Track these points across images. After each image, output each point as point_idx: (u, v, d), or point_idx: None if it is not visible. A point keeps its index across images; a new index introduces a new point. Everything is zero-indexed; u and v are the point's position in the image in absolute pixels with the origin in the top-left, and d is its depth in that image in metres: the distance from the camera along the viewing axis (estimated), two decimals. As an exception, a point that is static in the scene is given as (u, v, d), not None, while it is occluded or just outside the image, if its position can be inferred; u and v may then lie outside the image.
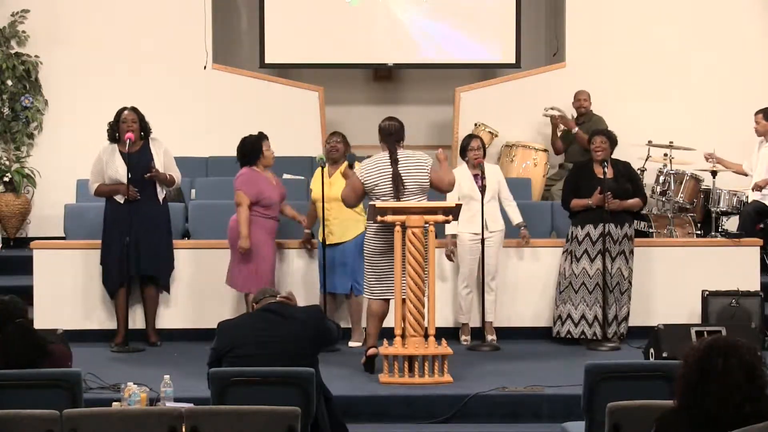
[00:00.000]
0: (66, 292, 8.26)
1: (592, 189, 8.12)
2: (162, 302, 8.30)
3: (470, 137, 8.50)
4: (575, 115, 10.42)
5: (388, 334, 7.10)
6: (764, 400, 3.22)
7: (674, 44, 10.78)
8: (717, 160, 9.40)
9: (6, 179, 10.46)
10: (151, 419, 4.32)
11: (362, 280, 7.92)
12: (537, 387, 6.59)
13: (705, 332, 7.09)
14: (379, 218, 6.88)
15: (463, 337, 8.29)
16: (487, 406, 6.43)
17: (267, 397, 4.68)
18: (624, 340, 8.14)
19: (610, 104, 10.48)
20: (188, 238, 9.02)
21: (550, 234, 9.20)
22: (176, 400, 5.33)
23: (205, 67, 10.66)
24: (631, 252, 8.20)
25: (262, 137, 8.01)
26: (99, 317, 8.31)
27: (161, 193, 8.10)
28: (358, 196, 7.14)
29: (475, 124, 10.47)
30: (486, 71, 11.57)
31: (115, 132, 8.03)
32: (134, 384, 5.31)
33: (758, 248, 8.68)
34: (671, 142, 9.78)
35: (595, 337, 8.05)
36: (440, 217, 6.89)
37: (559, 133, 10.40)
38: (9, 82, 10.48)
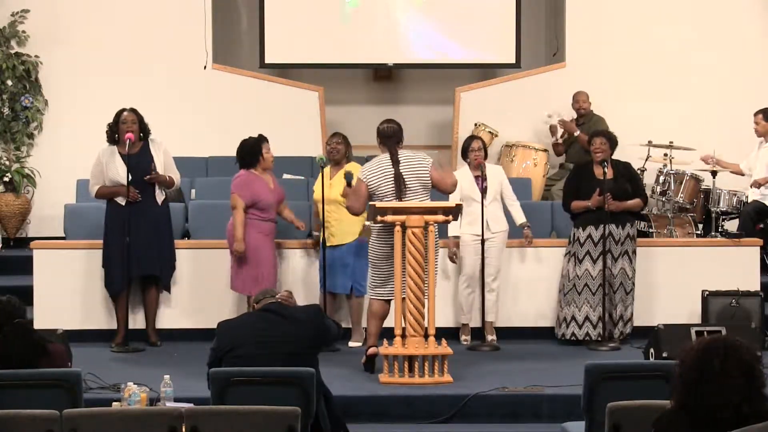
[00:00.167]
0: (66, 292, 8.26)
1: (592, 190, 8.12)
2: (162, 302, 8.30)
3: (471, 138, 8.50)
4: (575, 116, 10.42)
5: (388, 334, 7.10)
6: (763, 400, 3.22)
7: (674, 44, 10.78)
8: (716, 160, 9.40)
9: (6, 179, 10.46)
10: (151, 419, 4.32)
11: (362, 281, 7.94)
12: (537, 387, 6.59)
13: (705, 332, 7.09)
14: (379, 218, 6.88)
15: (463, 337, 8.30)
16: (487, 406, 6.43)
17: (267, 397, 4.68)
18: (628, 340, 8.13)
19: (610, 104, 10.48)
20: (188, 238, 9.02)
21: (550, 234, 9.20)
22: (176, 400, 5.33)
23: (205, 67, 10.66)
24: (634, 252, 8.21)
25: (261, 140, 8.01)
26: (99, 317, 8.31)
27: (160, 195, 8.10)
28: (363, 202, 7.10)
29: (475, 124, 10.48)
30: (486, 71, 11.56)
31: (114, 133, 8.03)
32: (134, 384, 5.31)
33: (758, 248, 8.68)
34: (671, 142, 9.79)
35: (599, 338, 8.05)
36: (440, 217, 6.89)
37: (560, 139, 10.39)
38: (9, 82, 10.48)
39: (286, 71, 11.41)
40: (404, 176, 7.05)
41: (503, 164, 9.99)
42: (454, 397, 6.47)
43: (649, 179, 9.77)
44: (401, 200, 7.01)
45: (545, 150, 10.32)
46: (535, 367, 7.34)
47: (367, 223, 7.77)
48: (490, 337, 8.20)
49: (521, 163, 10.23)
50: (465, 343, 8.24)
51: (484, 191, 8.07)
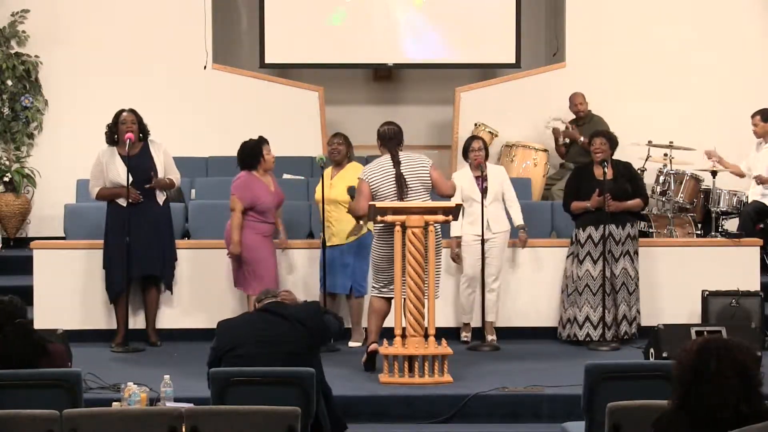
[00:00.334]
0: (66, 292, 8.25)
1: (592, 190, 8.12)
2: (162, 302, 8.30)
3: (472, 138, 8.50)
4: (572, 117, 10.43)
5: (388, 334, 7.10)
6: (760, 400, 3.23)
7: (674, 44, 10.78)
8: (718, 158, 9.39)
9: (6, 179, 10.46)
10: (151, 419, 4.32)
11: (362, 281, 7.95)
12: (537, 387, 6.58)
13: (705, 332, 7.10)
14: (379, 218, 6.89)
15: (463, 334, 8.30)
16: (487, 406, 6.43)
17: (267, 397, 4.68)
18: (633, 340, 8.12)
19: (610, 104, 10.48)
20: (188, 238, 9.02)
21: (550, 234, 9.21)
22: (176, 400, 5.34)
23: (205, 67, 10.66)
24: (636, 252, 8.20)
25: (262, 141, 8.00)
26: (99, 317, 8.31)
27: (161, 196, 8.10)
28: (367, 200, 7.08)
29: (475, 124, 10.48)
30: (486, 71, 11.56)
31: (113, 134, 8.02)
32: (134, 384, 5.31)
33: (758, 248, 8.68)
34: (671, 142, 9.79)
35: (600, 338, 8.04)
36: (440, 217, 6.90)
37: (561, 142, 10.39)
38: (9, 82, 10.48)
39: (286, 71, 11.40)
40: (405, 177, 7.07)
41: (503, 164, 9.99)
42: (454, 397, 6.47)
43: (649, 179, 9.76)
44: (403, 201, 7.02)
45: (545, 150, 10.32)
46: (535, 367, 7.34)
47: (361, 222, 7.78)
48: (490, 337, 8.20)
49: (521, 163, 10.23)
50: (465, 338, 8.25)
51: (484, 191, 8.07)
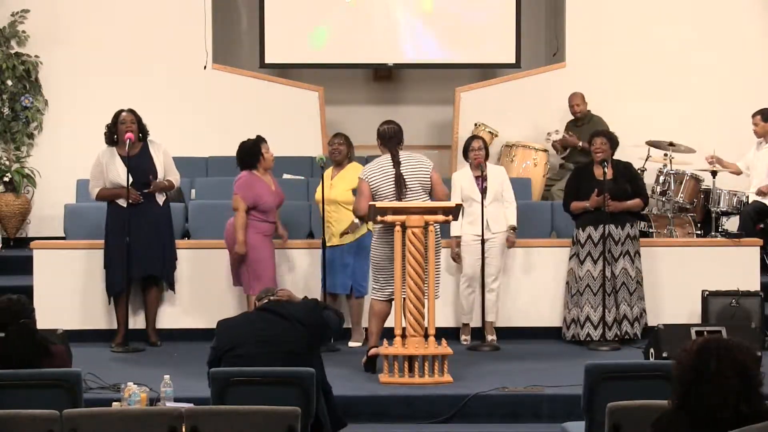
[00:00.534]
0: (66, 292, 8.26)
1: (592, 190, 8.12)
2: (162, 302, 8.31)
3: (472, 138, 8.50)
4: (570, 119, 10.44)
5: (388, 334, 7.10)
6: (760, 399, 3.23)
7: (674, 44, 10.78)
8: (717, 160, 9.40)
9: (6, 179, 10.46)
10: (151, 419, 4.32)
11: (362, 281, 7.95)
12: (537, 387, 6.58)
13: (705, 332, 7.09)
14: (379, 218, 6.89)
15: (463, 337, 8.30)
16: (487, 406, 6.43)
17: (267, 397, 4.68)
18: (636, 340, 8.11)
19: (610, 104, 10.48)
20: (188, 238, 9.02)
21: (550, 234, 9.20)
22: (176, 400, 5.34)
23: (205, 67, 10.66)
24: (638, 252, 8.20)
25: (260, 140, 8.00)
26: (99, 317, 8.31)
27: (161, 196, 8.11)
28: (368, 199, 7.07)
29: (475, 124, 10.48)
30: (486, 71, 11.57)
31: (113, 134, 8.02)
32: (134, 384, 5.31)
33: (758, 248, 8.68)
34: (671, 142, 9.79)
35: (602, 338, 8.05)
36: (440, 217, 6.90)
37: (561, 154, 10.39)
38: (9, 82, 10.48)
39: (286, 71, 11.41)
40: (405, 177, 7.07)
41: (503, 164, 9.98)
42: (454, 397, 6.47)
43: (649, 179, 9.76)
44: (402, 201, 7.01)
45: (545, 150, 10.32)
46: (535, 367, 7.34)
47: (356, 221, 7.77)
48: (490, 337, 8.20)
49: (521, 163, 10.23)
50: (465, 342, 8.24)
51: (484, 191, 8.06)
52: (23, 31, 10.65)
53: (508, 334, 8.32)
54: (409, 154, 7.23)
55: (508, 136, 10.49)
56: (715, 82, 10.76)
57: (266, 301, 5.55)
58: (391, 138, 7.23)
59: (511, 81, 10.99)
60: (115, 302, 8.05)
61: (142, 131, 8.06)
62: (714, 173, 9.19)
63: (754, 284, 8.41)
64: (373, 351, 7.04)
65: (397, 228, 6.81)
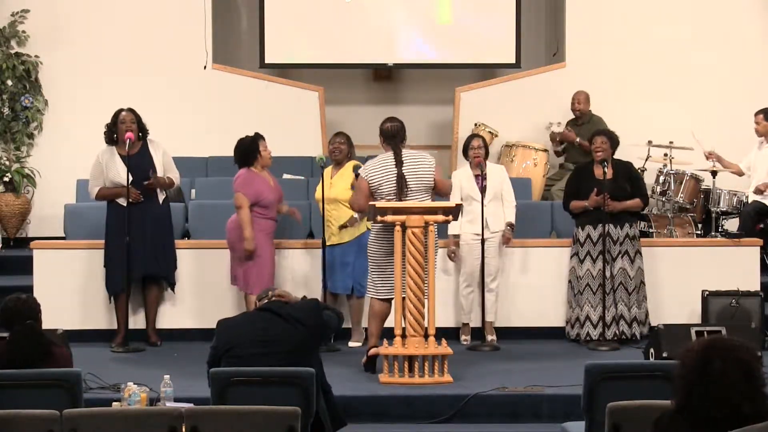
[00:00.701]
0: (66, 292, 8.26)
1: (592, 190, 8.12)
2: (162, 302, 8.31)
3: (472, 137, 8.50)
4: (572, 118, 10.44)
5: (388, 334, 7.10)
6: (763, 400, 3.22)
7: (674, 44, 10.77)
8: (716, 158, 9.40)
9: (6, 179, 10.46)
10: (151, 419, 4.32)
11: (363, 281, 7.93)
12: (537, 387, 6.58)
13: (705, 332, 7.09)
14: (379, 218, 6.88)
15: (463, 337, 8.30)
16: (487, 406, 6.43)
17: (267, 397, 4.68)
18: (636, 340, 8.10)
19: (610, 104, 10.48)
20: (188, 238, 9.02)
21: (550, 234, 9.20)
22: (176, 400, 5.33)
23: (205, 67, 10.66)
24: (638, 252, 8.20)
25: (258, 138, 8.00)
26: (99, 317, 8.31)
27: (160, 195, 8.11)
28: (366, 196, 7.07)
29: (475, 124, 10.48)
30: (486, 71, 11.56)
31: (113, 134, 8.03)
32: (134, 384, 5.31)
33: (758, 248, 8.68)
34: (671, 142, 9.79)
35: (600, 338, 8.05)
36: (440, 217, 6.89)
37: (559, 148, 10.40)
38: (9, 82, 10.48)
39: (286, 71, 11.41)
40: (406, 177, 7.02)
41: (503, 164, 9.98)
42: (454, 397, 6.47)
43: (649, 179, 9.76)
44: (401, 200, 7.00)
45: (545, 150, 10.32)
46: (535, 367, 7.34)
47: (355, 215, 7.77)
48: (490, 337, 8.20)
49: (521, 163, 10.23)
50: (465, 343, 8.24)
51: (483, 190, 8.06)
52: (23, 31, 10.65)
53: (508, 334, 8.32)
54: (411, 152, 7.19)
55: (508, 136, 10.49)
56: (715, 82, 10.75)
57: (266, 301, 5.55)
58: (394, 136, 7.17)
59: (511, 81, 10.99)
60: (115, 301, 8.05)
61: (141, 130, 8.06)
62: (714, 173, 9.19)
63: (754, 284, 8.41)
64: (373, 351, 7.03)
65: (397, 228, 6.81)
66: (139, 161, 7.97)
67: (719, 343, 3.27)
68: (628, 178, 8.29)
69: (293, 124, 10.52)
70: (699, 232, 9.20)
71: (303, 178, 9.99)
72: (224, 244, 8.03)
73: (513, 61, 11.05)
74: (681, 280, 8.46)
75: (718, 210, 9.31)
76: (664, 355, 7.14)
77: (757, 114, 9.60)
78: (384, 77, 11.77)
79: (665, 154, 9.78)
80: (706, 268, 8.48)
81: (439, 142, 11.37)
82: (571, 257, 8.32)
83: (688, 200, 9.54)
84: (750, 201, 9.37)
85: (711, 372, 3.20)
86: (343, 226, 7.96)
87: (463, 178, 8.19)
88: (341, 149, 8.18)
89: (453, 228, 8.06)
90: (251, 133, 8.10)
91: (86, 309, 8.32)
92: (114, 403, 5.22)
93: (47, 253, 8.45)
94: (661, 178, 9.61)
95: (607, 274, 8.07)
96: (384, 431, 6.26)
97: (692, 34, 10.80)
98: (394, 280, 6.92)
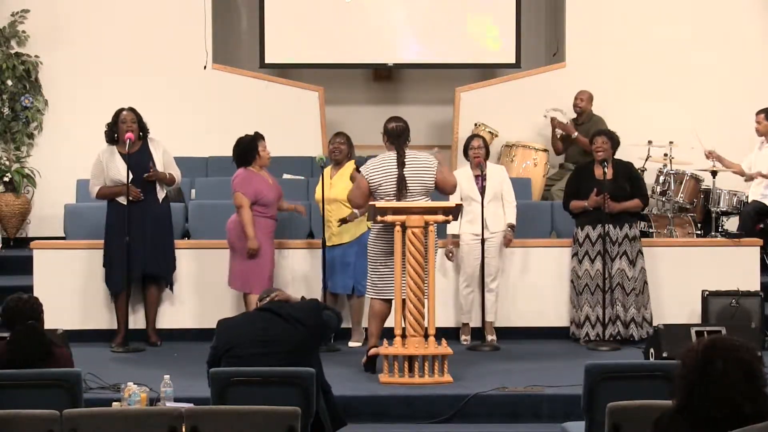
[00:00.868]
0: (66, 292, 8.26)
1: (592, 190, 8.13)
2: (162, 302, 8.31)
3: (472, 137, 8.50)
4: (573, 116, 10.42)
5: (388, 334, 7.10)
6: (764, 400, 3.22)
7: (674, 44, 10.77)
8: (716, 158, 9.40)
9: (6, 179, 10.46)
10: (151, 419, 4.32)
11: (363, 281, 7.93)
12: (537, 387, 6.58)
13: (705, 332, 7.09)
14: (379, 218, 6.88)
15: (463, 337, 8.30)
16: (487, 406, 6.43)
17: (267, 397, 4.68)
18: (635, 341, 8.09)
19: (610, 104, 10.48)
20: (188, 238, 9.02)
21: (550, 234, 9.20)
22: (176, 400, 5.33)
23: (205, 67, 10.66)
24: (639, 252, 8.19)
25: (257, 137, 8.00)
26: (99, 317, 8.31)
27: (161, 193, 8.11)
28: (364, 195, 7.06)
29: (475, 124, 10.48)
30: (486, 71, 11.56)
31: (113, 133, 8.03)
32: (134, 384, 5.31)
33: (758, 248, 8.68)
34: (671, 142, 9.78)
35: (598, 338, 8.05)
36: (440, 217, 6.89)
37: (558, 135, 10.41)
38: (9, 82, 10.48)
39: (286, 71, 11.41)
40: (407, 179, 7.00)
41: (503, 164, 9.98)
42: (454, 397, 6.46)
43: (649, 179, 9.76)
44: (400, 201, 6.99)
45: (545, 150, 10.32)
46: (535, 367, 7.34)
47: (355, 211, 7.76)
48: (490, 337, 8.20)
49: (521, 163, 10.23)
50: (465, 343, 8.24)
51: (483, 190, 8.05)
52: (23, 31, 10.65)
53: (507, 334, 8.32)
54: (415, 154, 7.14)
55: (508, 136, 10.49)
56: (715, 82, 10.76)
57: (267, 301, 5.55)
58: (399, 136, 7.12)
59: (511, 81, 10.99)
60: (116, 299, 8.05)
61: (142, 130, 8.07)
62: (714, 173, 9.19)
63: (754, 284, 8.41)
64: (373, 351, 7.03)
65: (397, 228, 6.80)
66: (140, 159, 7.98)
67: (720, 343, 3.27)
68: (628, 179, 8.29)
69: (293, 124, 10.52)
70: (699, 232, 9.20)
71: (303, 178, 9.99)
72: (224, 244, 8.03)
73: (513, 61, 11.05)
74: (681, 280, 8.46)
75: (718, 210, 9.31)
76: (664, 355, 7.14)
77: (758, 114, 9.59)
78: (384, 77, 11.77)
79: (665, 154, 9.78)
80: (706, 268, 8.48)
81: (439, 142, 11.35)
82: (572, 257, 8.33)
83: (688, 200, 9.54)
84: (750, 201, 9.37)
85: (712, 372, 3.20)
86: (343, 221, 7.92)
87: (463, 178, 8.19)
88: (341, 149, 8.18)
89: (452, 228, 8.06)
90: (251, 133, 8.09)
91: (86, 309, 8.32)
92: (114, 403, 5.23)
93: (47, 253, 8.46)
94: (661, 178, 9.61)
95: (606, 274, 8.07)
96: (384, 431, 6.25)
97: (692, 34, 10.80)
98: (394, 280, 6.92)
